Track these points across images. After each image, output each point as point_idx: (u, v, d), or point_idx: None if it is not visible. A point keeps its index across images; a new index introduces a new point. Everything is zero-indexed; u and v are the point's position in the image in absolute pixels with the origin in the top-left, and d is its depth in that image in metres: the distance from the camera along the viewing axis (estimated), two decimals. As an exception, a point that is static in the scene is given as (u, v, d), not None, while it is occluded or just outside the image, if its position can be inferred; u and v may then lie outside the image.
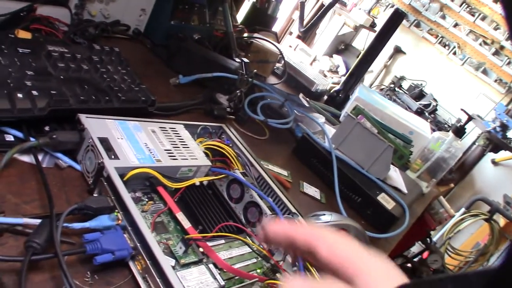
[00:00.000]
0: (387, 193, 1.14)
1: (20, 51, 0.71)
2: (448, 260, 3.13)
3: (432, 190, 1.64)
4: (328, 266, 0.40)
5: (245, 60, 1.17)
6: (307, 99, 1.42)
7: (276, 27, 2.09)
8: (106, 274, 0.53)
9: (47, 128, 0.67)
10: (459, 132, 2.24)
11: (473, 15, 4.01)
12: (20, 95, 0.62)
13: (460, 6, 4.04)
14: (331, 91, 1.75)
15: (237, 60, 1.18)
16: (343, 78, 1.83)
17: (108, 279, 0.53)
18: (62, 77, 0.72)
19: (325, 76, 2.32)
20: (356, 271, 0.38)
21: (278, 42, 1.82)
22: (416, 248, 2.61)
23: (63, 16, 0.96)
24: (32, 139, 0.63)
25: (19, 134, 0.63)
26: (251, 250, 0.68)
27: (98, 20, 1.06)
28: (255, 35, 1.53)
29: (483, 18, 3.97)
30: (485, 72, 4.07)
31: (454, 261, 3.23)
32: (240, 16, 1.80)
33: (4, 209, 0.53)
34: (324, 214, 0.83)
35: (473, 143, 3.75)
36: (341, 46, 3.92)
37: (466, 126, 2.72)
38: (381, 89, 4.17)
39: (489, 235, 3.09)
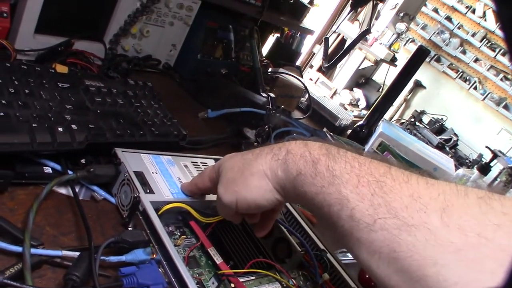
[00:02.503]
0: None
1: (60, 85, 0.73)
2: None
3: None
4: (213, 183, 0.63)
5: (272, 95, 1.18)
6: (331, 133, 1.42)
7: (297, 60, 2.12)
8: (140, 308, 0.54)
9: (83, 161, 0.69)
10: (484, 169, 2.22)
11: (493, 51, 4.00)
12: (60, 129, 0.64)
13: (481, 41, 4.04)
14: (355, 126, 1.75)
15: (264, 95, 1.19)
16: (364, 112, 1.83)
17: (142, 313, 0.53)
18: (99, 111, 0.74)
19: (346, 109, 2.33)
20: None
21: (302, 77, 1.83)
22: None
23: (98, 50, 0.99)
24: (69, 172, 0.64)
25: (57, 167, 0.65)
26: (281, 287, 0.68)
27: (131, 54, 1.09)
28: (280, 69, 1.55)
29: (504, 54, 3.95)
30: (506, 107, 4.03)
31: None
32: (265, 50, 1.83)
33: (43, 241, 0.54)
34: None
35: (495, 178, 3.69)
36: (362, 80, 3.93)
37: (491, 164, 2.68)
38: (401, 123, 4.16)
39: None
